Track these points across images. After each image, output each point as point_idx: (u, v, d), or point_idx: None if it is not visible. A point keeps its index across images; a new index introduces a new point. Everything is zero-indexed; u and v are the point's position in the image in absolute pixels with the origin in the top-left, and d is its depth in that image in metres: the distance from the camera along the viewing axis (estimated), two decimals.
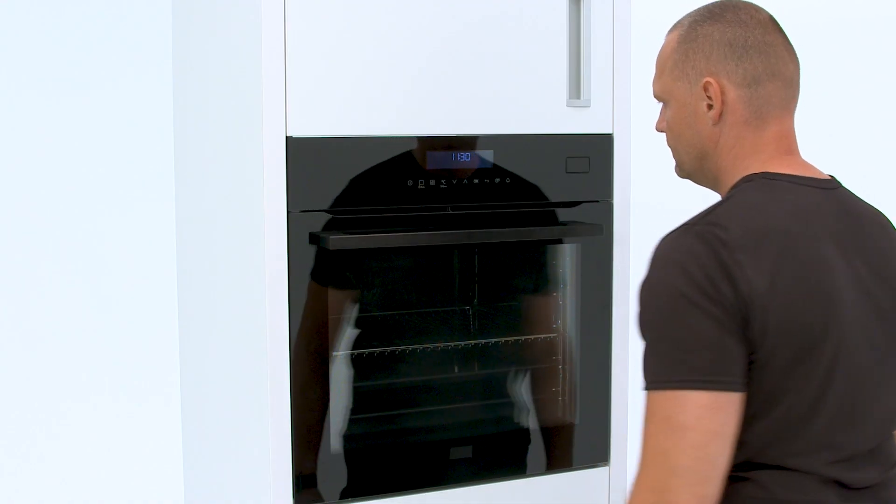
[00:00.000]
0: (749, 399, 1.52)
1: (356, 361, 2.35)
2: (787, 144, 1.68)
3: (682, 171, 1.79)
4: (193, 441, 2.71)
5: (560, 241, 2.44)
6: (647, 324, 1.54)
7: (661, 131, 1.80)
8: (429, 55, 2.26)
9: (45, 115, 2.67)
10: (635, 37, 2.49)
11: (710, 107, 1.67)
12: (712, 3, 1.72)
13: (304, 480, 2.22)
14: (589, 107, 2.41)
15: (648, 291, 1.55)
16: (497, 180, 2.34)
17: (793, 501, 1.54)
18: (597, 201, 2.44)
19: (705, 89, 1.66)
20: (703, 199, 3.55)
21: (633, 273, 2.55)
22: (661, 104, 1.79)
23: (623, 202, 2.46)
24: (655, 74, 1.77)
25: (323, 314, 2.21)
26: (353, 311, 2.33)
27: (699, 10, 1.72)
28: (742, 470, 1.55)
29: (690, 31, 1.69)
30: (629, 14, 2.44)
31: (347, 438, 2.29)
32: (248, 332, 2.27)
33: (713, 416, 1.48)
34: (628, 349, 2.51)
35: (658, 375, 1.51)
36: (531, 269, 2.49)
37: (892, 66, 3.57)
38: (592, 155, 2.42)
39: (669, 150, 1.79)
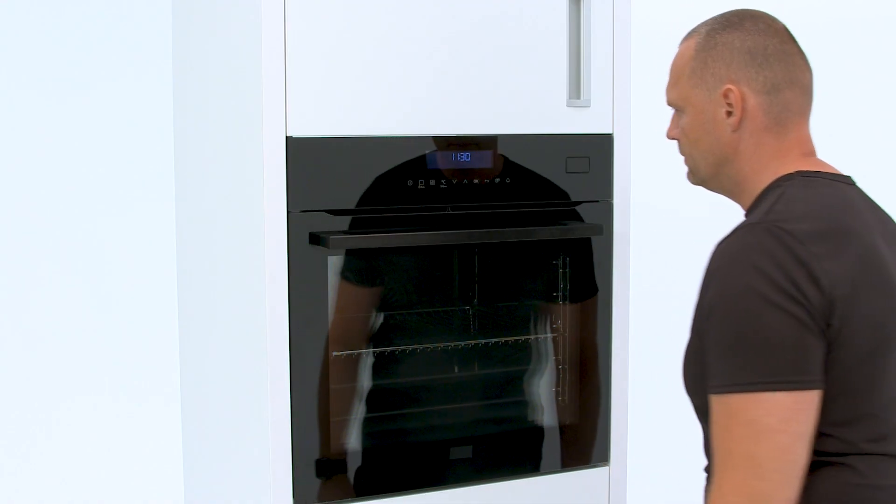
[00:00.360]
0: (827, 391, 1.52)
1: (356, 361, 2.35)
2: (808, 148, 1.71)
3: (697, 177, 1.80)
4: (193, 441, 2.71)
5: (560, 242, 2.44)
6: (722, 326, 1.53)
7: (674, 139, 1.80)
8: (429, 55, 2.26)
9: (45, 115, 2.67)
10: (635, 37, 2.49)
11: (729, 113, 1.69)
12: (728, 13, 1.74)
13: (303, 481, 2.22)
14: (589, 107, 2.41)
15: (720, 294, 1.54)
16: (497, 180, 2.34)
17: (888, 486, 1.57)
18: (597, 201, 2.44)
19: (725, 96, 1.68)
20: (702, 199, 3.54)
21: (633, 273, 2.55)
22: (672, 112, 1.80)
23: (623, 202, 2.46)
24: (670, 82, 1.78)
25: (323, 314, 2.21)
26: (353, 312, 2.33)
27: (715, 19, 1.74)
28: (833, 456, 1.55)
29: (709, 39, 1.71)
30: (629, 14, 2.44)
31: (347, 439, 2.29)
32: (248, 332, 2.27)
33: (797, 417, 1.49)
34: (628, 349, 2.51)
35: (738, 378, 1.50)
36: (531, 269, 2.49)
37: (893, 65, 3.57)
38: (592, 155, 2.42)
39: (683, 157, 1.80)
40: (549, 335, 2.49)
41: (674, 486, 3.31)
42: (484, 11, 2.30)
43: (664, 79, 2.73)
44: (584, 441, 2.48)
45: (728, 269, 1.54)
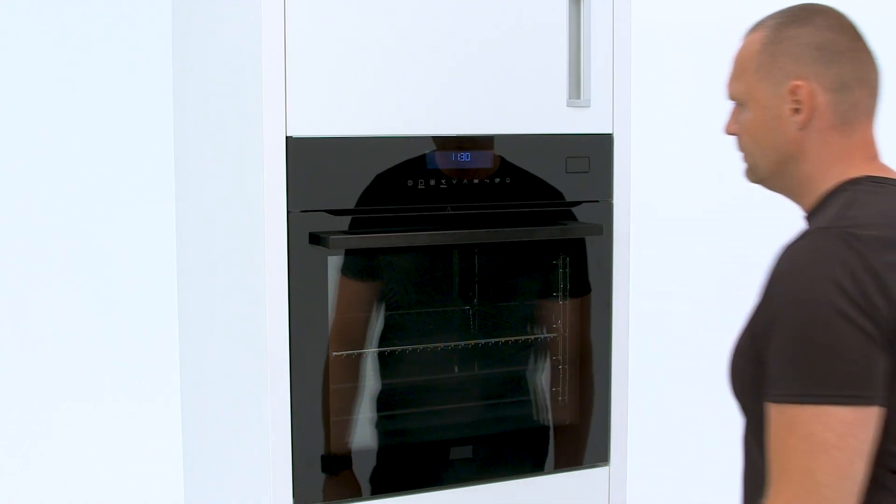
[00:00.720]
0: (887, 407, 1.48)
1: (356, 361, 2.35)
2: (873, 151, 1.67)
3: (755, 175, 1.74)
4: (193, 441, 2.71)
5: (560, 241, 2.44)
6: (788, 334, 1.48)
7: (732, 134, 1.74)
8: (428, 55, 2.26)
9: (45, 116, 2.67)
10: (635, 37, 2.50)
11: (796, 111, 1.63)
12: (796, 7, 1.69)
13: (303, 480, 2.22)
14: (589, 107, 2.41)
15: (789, 300, 1.48)
16: (497, 180, 2.34)
17: None
18: (597, 201, 2.44)
19: (793, 92, 1.63)
20: (702, 199, 3.54)
21: (633, 273, 2.55)
22: (732, 107, 1.74)
23: (623, 202, 2.46)
24: (733, 75, 1.72)
25: (323, 314, 2.21)
26: (353, 312, 2.33)
27: (782, 13, 1.69)
28: (891, 474, 1.51)
29: (777, 32, 1.66)
30: (629, 14, 2.44)
31: (347, 439, 2.30)
32: (248, 332, 2.27)
33: (857, 434, 1.44)
34: (628, 349, 2.51)
35: (799, 389, 1.46)
36: (531, 269, 2.49)
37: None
38: (592, 155, 2.42)
39: (742, 154, 1.74)
40: (549, 335, 2.49)
41: (674, 486, 3.31)
42: (484, 11, 2.30)
43: (664, 79, 2.73)
44: (584, 441, 2.48)
45: (798, 274, 1.48)
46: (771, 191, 1.75)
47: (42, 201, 2.68)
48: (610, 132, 2.44)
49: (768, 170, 1.70)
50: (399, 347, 2.39)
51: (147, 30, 2.72)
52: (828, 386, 1.44)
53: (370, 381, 2.37)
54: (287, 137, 2.15)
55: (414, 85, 2.26)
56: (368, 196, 2.23)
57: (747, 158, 1.73)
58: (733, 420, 3.49)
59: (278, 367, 2.18)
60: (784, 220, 3.32)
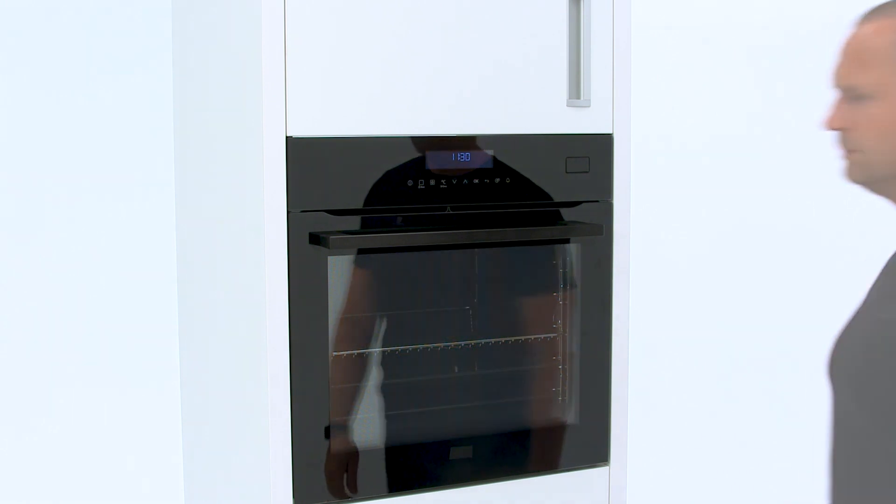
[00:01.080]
0: None
1: (356, 361, 2.35)
2: None
3: (867, 173, 1.56)
4: (193, 441, 2.71)
5: (560, 241, 2.44)
6: None
7: (840, 128, 1.57)
8: (429, 55, 2.26)
9: (45, 116, 2.67)
10: (635, 37, 2.49)
11: None
12: None
13: (303, 480, 2.22)
14: (589, 107, 2.41)
15: None
16: (497, 180, 2.34)
17: None
18: (597, 201, 2.44)
19: None
20: (701, 199, 3.54)
21: (633, 273, 2.55)
22: (837, 98, 1.59)
23: (623, 202, 2.46)
24: (856, 63, 1.53)
25: (323, 314, 2.21)
26: (352, 311, 2.33)
27: None
28: None
29: None
30: (629, 14, 2.44)
31: (347, 439, 2.30)
32: (248, 332, 2.27)
33: None
34: (628, 349, 2.51)
35: None
36: (531, 269, 2.49)
37: None
38: (592, 155, 2.42)
39: (846, 149, 1.57)
40: (549, 335, 2.49)
41: (674, 486, 3.31)
42: (484, 11, 2.30)
43: (664, 79, 2.72)
44: (583, 441, 2.48)
45: None
46: (875, 194, 1.60)
47: (43, 201, 2.68)
48: (610, 132, 2.45)
49: (889, 171, 1.53)
50: (399, 348, 2.39)
51: (147, 30, 2.72)
52: None
53: (370, 381, 2.37)
54: (287, 137, 2.16)
55: (414, 85, 2.26)
56: (368, 196, 2.23)
57: (856, 156, 1.55)
58: (733, 420, 3.50)
59: (278, 367, 2.18)
60: (784, 221, 3.33)
